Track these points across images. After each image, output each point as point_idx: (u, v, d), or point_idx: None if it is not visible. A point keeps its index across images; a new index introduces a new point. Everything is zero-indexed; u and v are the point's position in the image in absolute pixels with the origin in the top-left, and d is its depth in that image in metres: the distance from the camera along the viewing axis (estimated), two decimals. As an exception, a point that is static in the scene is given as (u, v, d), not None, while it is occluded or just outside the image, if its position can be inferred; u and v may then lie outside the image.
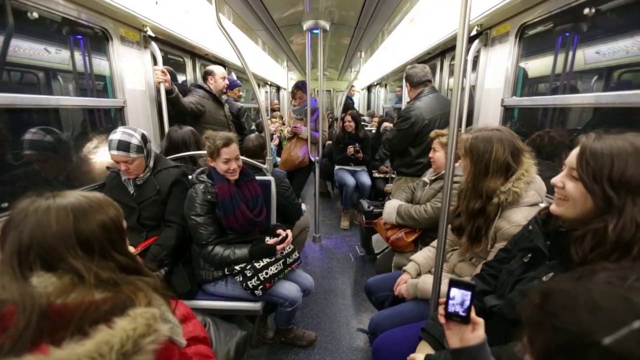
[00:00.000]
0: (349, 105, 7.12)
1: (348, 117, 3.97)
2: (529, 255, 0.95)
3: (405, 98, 4.06)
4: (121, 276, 0.77)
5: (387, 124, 3.07)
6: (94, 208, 0.78)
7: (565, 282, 0.48)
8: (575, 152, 0.83)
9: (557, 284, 0.48)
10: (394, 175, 4.01)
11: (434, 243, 1.73)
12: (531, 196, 1.24)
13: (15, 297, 0.63)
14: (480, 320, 0.82)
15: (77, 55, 2.02)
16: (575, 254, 0.78)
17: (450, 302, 0.82)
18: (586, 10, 1.63)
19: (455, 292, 0.82)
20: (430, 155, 2.02)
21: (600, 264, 0.72)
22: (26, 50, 1.75)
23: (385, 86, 7.20)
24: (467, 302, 0.81)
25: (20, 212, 0.72)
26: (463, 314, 0.81)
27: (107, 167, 1.90)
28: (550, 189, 0.95)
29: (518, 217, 1.21)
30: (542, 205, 1.26)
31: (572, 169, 0.82)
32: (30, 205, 0.73)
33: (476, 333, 0.81)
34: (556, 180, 0.87)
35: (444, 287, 1.40)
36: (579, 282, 0.47)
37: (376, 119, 5.57)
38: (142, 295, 0.76)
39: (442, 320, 0.85)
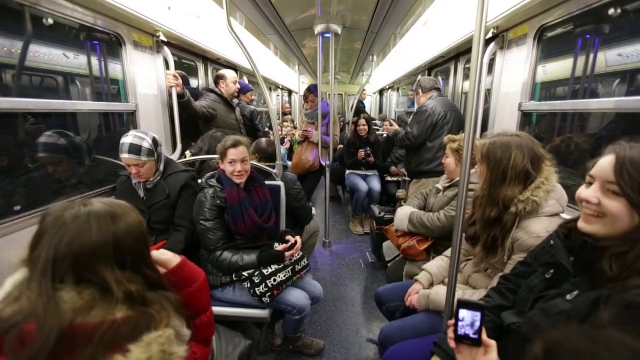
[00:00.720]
0: (360, 109, 7.09)
1: (362, 121, 3.95)
2: (551, 271, 0.89)
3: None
4: (151, 294, 0.74)
5: (395, 127, 3.00)
6: (128, 219, 0.75)
7: (572, 335, 0.43)
8: (607, 164, 0.75)
9: (563, 337, 0.43)
10: (406, 179, 3.96)
11: (447, 252, 1.67)
12: (551, 206, 1.18)
13: (39, 313, 0.60)
14: (492, 343, 0.77)
15: (92, 60, 2.06)
16: (609, 270, 0.71)
17: (460, 323, 0.78)
18: (611, 11, 1.56)
19: (464, 313, 0.78)
20: (443, 160, 1.97)
21: (631, 280, 0.67)
22: (44, 55, 1.78)
23: (398, 90, 7.13)
24: (477, 323, 0.77)
25: (57, 219, 0.69)
26: (474, 336, 0.77)
27: (118, 171, 1.92)
28: (572, 198, 0.89)
29: (537, 228, 1.14)
30: (564, 215, 1.19)
31: (608, 182, 0.74)
32: (67, 212, 0.70)
33: (488, 356, 0.76)
34: (589, 196, 0.77)
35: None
36: (587, 336, 0.42)
37: (387, 124, 5.51)
38: (165, 315, 0.73)
39: (452, 344, 0.81)
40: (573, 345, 0.41)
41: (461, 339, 0.79)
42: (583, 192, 0.80)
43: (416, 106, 3.41)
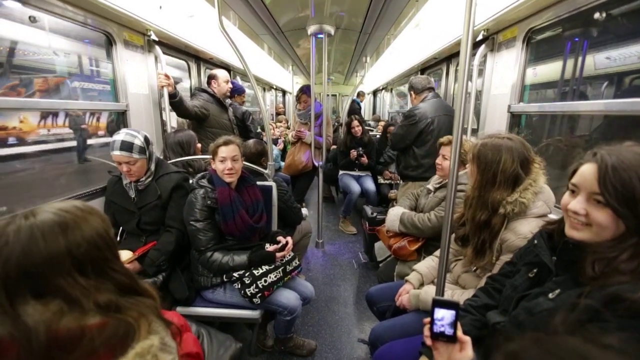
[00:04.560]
0: (355, 110, 7.10)
1: (355, 122, 3.94)
2: (535, 270, 0.90)
3: (409, 105, 4.01)
4: (123, 300, 0.70)
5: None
6: (79, 222, 0.69)
7: (526, 345, 0.44)
8: (590, 173, 0.75)
9: (518, 348, 0.44)
10: (399, 182, 3.97)
11: (438, 252, 1.69)
12: (539, 207, 1.19)
13: (11, 332, 0.57)
14: (467, 339, 0.80)
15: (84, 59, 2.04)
16: (592, 270, 0.73)
17: (436, 322, 0.80)
18: (596, 15, 1.59)
19: (439, 312, 0.80)
20: (439, 162, 1.95)
21: (613, 277, 0.69)
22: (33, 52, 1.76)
23: (391, 91, 7.17)
24: (452, 321, 0.79)
25: None
26: (449, 333, 0.79)
27: (109, 171, 1.90)
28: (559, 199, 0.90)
29: (525, 229, 1.16)
30: (551, 216, 1.21)
31: (593, 193, 0.74)
32: (8, 229, 0.63)
33: (464, 353, 0.79)
34: (577, 208, 0.77)
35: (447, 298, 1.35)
36: (540, 345, 0.43)
37: (382, 124, 5.54)
38: (145, 322, 0.70)
39: (428, 342, 0.83)
40: (527, 355, 0.42)
41: (437, 336, 0.81)
42: (570, 203, 0.80)
43: (409, 105, 3.42)
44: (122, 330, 0.65)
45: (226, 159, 1.70)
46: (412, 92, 2.78)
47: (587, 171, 0.76)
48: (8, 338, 0.57)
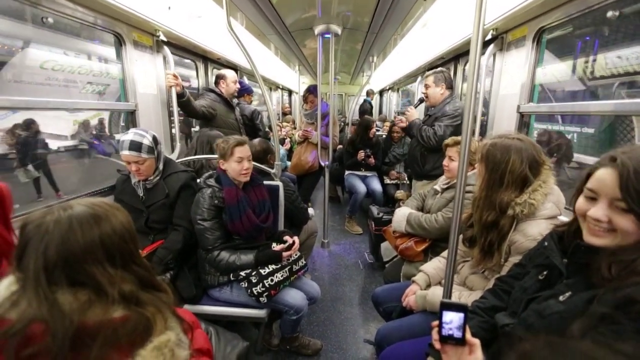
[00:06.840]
0: (367, 109, 7.07)
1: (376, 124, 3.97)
2: (545, 272, 0.89)
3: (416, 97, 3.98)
4: (144, 294, 0.74)
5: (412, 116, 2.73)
6: (109, 216, 0.75)
7: (539, 347, 0.44)
8: (611, 179, 0.72)
9: (532, 349, 0.44)
10: (405, 182, 3.95)
11: (445, 253, 1.67)
12: (549, 209, 1.18)
13: (45, 316, 0.61)
14: (477, 342, 0.79)
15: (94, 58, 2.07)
16: (608, 272, 0.71)
17: (444, 325, 0.80)
18: (609, 13, 1.56)
19: (447, 315, 0.79)
20: (445, 163, 1.93)
21: (628, 279, 0.67)
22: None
23: (398, 91, 7.14)
24: (461, 324, 0.78)
25: (38, 226, 0.68)
26: (458, 336, 0.79)
27: (118, 170, 1.92)
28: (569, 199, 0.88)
29: (534, 231, 1.14)
30: (562, 218, 1.19)
31: (615, 199, 0.71)
32: (47, 218, 0.69)
33: (474, 356, 0.78)
34: (599, 215, 0.74)
35: (454, 300, 1.34)
36: (553, 348, 0.43)
37: (387, 124, 5.52)
38: (161, 318, 0.73)
39: (437, 345, 0.82)
40: (539, 356, 0.42)
41: (446, 339, 0.80)
42: (590, 209, 0.77)
43: (418, 95, 3.28)
44: (143, 324, 0.69)
45: (243, 159, 1.72)
46: (442, 85, 2.55)
47: (606, 176, 0.73)
48: (41, 324, 0.61)
